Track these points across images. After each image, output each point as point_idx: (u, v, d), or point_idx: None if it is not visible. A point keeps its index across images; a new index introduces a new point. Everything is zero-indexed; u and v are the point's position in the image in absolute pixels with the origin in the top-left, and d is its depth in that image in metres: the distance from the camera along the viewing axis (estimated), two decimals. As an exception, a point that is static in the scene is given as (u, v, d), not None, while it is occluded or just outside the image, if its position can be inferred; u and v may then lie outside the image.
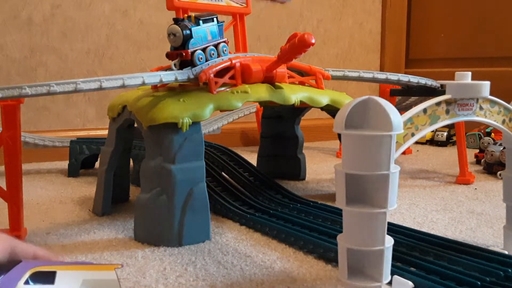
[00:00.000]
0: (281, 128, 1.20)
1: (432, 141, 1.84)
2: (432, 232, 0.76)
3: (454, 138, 1.75)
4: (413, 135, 0.53)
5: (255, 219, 0.81)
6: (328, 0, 2.01)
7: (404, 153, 1.62)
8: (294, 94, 0.88)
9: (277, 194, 0.98)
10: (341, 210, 0.49)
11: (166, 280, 0.61)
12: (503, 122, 0.61)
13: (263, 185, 1.01)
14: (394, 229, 0.73)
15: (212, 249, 0.71)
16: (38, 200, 1.00)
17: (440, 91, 1.17)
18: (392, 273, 0.57)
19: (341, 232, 0.51)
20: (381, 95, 1.27)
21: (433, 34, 2.21)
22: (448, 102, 0.56)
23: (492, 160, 1.25)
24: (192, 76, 0.79)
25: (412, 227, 0.77)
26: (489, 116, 0.60)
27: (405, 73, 2.52)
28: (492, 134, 1.55)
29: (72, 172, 1.22)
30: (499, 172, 1.22)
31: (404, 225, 0.78)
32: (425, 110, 0.54)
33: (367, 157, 0.47)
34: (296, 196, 0.96)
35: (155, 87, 0.86)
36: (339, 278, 0.52)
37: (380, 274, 0.49)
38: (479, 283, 0.54)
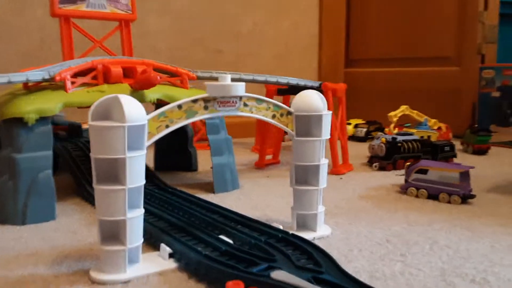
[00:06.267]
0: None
1: (353, 137, 1.95)
2: (266, 214, 0.87)
3: (373, 134, 1.86)
4: (167, 126, 0.64)
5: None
6: (264, 2, 2.12)
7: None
8: (152, 93, 0.99)
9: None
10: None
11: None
12: (273, 116, 0.72)
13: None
14: (203, 205, 0.87)
15: (48, 227, 0.82)
16: None
17: (319, 89, 1.28)
18: (169, 243, 0.68)
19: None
20: (267, 93, 1.37)
21: (372, 34, 2.31)
22: (207, 100, 0.66)
23: (373, 153, 1.36)
24: (47, 77, 0.90)
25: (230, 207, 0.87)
26: (256, 112, 0.70)
27: (345, 73, 2.62)
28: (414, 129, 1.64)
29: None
30: (374, 164, 1.32)
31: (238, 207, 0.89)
32: (180, 106, 0.64)
33: (107, 144, 0.58)
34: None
35: (26, 86, 0.97)
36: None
37: (125, 238, 0.60)
38: (224, 248, 0.65)
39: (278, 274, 0.56)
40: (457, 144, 1.67)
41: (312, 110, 0.73)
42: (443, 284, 0.60)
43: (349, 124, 1.99)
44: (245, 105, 0.70)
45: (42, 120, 0.86)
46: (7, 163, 0.84)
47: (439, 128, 1.70)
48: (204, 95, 0.66)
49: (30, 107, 0.85)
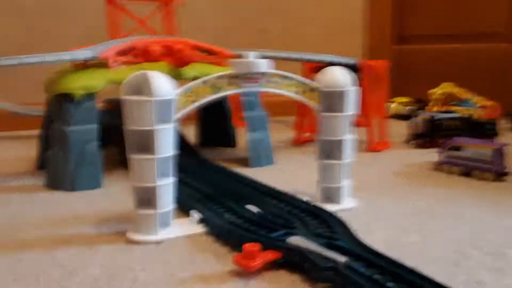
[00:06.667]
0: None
1: (397, 115, 1.92)
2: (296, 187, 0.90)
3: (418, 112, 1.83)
4: (194, 101, 0.68)
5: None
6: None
7: (359, 125, 1.71)
8: (188, 70, 1.04)
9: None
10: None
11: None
12: (297, 92, 0.75)
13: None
14: (236, 177, 0.92)
15: (94, 194, 0.90)
16: None
17: (355, 67, 1.29)
18: (199, 210, 0.73)
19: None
20: (304, 70, 1.39)
21: (422, 11, 2.24)
22: (231, 76, 0.70)
23: (412, 131, 1.35)
24: (92, 56, 0.97)
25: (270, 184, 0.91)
26: (279, 87, 0.73)
27: (396, 50, 2.55)
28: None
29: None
30: (411, 142, 1.32)
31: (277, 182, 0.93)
32: (205, 82, 0.69)
33: (137, 117, 0.63)
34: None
35: (75, 65, 1.05)
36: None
37: (156, 203, 0.66)
38: (248, 216, 0.70)
39: (294, 240, 0.60)
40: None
41: (335, 86, 0.75)
42: (456, 255, 0.62)
43: (393, 102, 1.96)
44: (269, 81, 0.73)
45: (88, 96, 0.93)
46: (58, 135, 0.92)
47: (487, 106, 1.65)
48: (229, 71, 0.70)
49: (77, 84, 0.92)
